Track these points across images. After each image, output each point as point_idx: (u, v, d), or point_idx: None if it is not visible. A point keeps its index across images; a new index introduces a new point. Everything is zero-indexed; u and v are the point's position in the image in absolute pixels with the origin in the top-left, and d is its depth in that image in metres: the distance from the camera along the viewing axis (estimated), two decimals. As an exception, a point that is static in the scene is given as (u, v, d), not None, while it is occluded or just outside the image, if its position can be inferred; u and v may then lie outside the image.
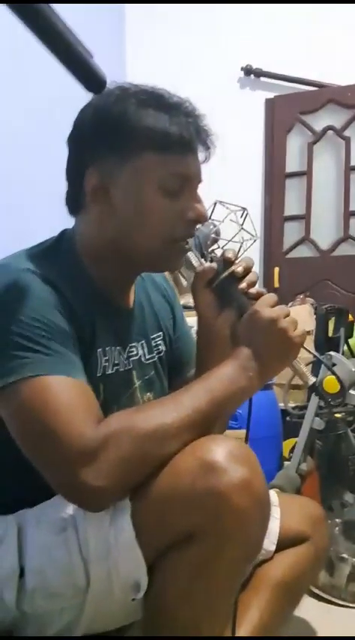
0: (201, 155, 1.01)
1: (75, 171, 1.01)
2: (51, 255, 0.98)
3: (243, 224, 3.47)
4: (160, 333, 1.17)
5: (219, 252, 3.64)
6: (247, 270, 1.02)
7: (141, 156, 0.95)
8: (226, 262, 1.03)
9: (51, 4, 0.67)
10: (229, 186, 3.34)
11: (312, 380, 1.06)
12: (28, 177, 2.43)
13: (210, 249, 3.41)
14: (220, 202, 3.37)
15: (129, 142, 0.95)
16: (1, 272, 0.92)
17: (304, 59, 3.52)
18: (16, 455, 0.87)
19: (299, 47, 3.49)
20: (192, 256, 1.06)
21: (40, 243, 1.03)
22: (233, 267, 1.02)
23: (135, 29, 3.67)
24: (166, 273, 1.44)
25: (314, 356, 1.32)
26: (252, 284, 1.01)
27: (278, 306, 0.98)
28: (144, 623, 0.91)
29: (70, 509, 0.90)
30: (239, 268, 1.01)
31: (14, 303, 0.87)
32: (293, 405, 2.33)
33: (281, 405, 2.32)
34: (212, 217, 3.46)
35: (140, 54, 3.63)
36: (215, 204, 3.37)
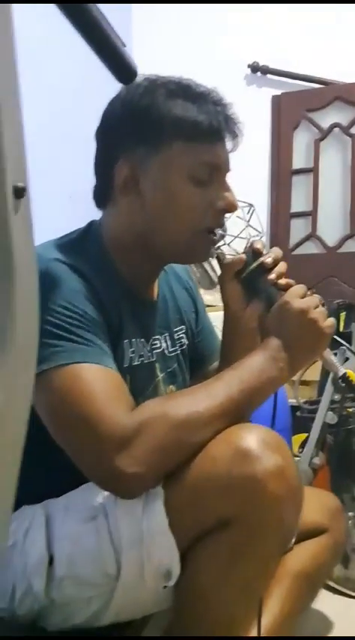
0: (228, 144, 1.02)
1: (104, 164, 1.01)
2: (78, 246, 0.99)
3: (249, 220, 3.47)
4: (183, 326, 1.18)
5: (225, 249, 3.64)
6: (276, 261, 1.03)
7: (170, 146, 0.96)
8: (255, 253, 1.03)
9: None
10: (236, 183, 3.32)
11: (342, 371, 1.07)
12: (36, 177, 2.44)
13: (216, 246, 3.41)
14: (227, 199, 3.38)
15: (158, 132, 0.95)
16: None
17: (311, 56, 3.50)
18: (45, 444, 0.88)
19: (306, 44, 3.48)
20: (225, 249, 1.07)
21: (67, 234, 1.04)
22: (262, 258, 1.02)
23: (141, 25, 3.67)
24: (192, 267, 1.44)
25: (347, 348, 1.35)
26: (281, 275, 1.02)
27: (308, 297, 0.98)
28: (176, 610, 0.92)
29: (100, 497, 0.90)
30: (268, 259, 1.02)
31: (45, 292, 0.87)
32: (303, 400, 2.34)
33: (292, 400, 2.33)
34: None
35: (146, 49, 3.62)
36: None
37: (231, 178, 2.70)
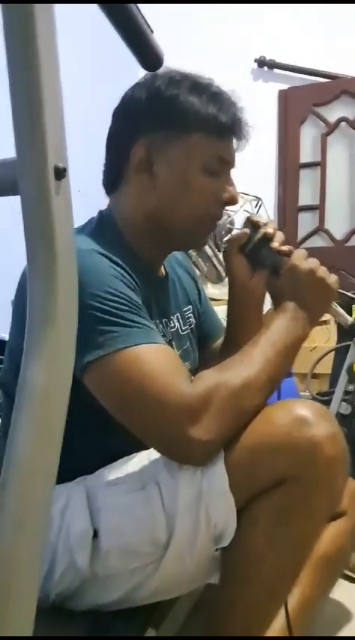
0: (236, 143, 1.09)
1: (120, 143, 1.05)
2: (101, 236, 1.02)
3: (257, 214, 3.48)
4: (190, 306, 1.24)
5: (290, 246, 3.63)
6: (274, 230, 1.10)
7: (192, 135, 1.01)
8: (255, 225, 1.10)
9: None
10: (243, 177, 3.33)
11: (351, 320, 1.12)
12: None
13: (224, 240, 3.42)
14: (235, 193, 3.38)
15: (182, 121, 1.00)
16: None
17: (318, 51, 3.52)
18: (72, 423, 0.89)
19: (313, 38, 3.49)
20: (223, 230, 1.10)
21: (84, 225, 1.07)
22: (263, 229, 1.09)
23: (148, 19, 3.68)
24: (200, 262, 1.48)
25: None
26: (283, 242, 1.09)
27: (312, 259, 1.05)
28: (223, 575, 0.95)
29: (148, 468, 0.95)
30: (269, 229, 1.09)
31: (91, 282, 0.91)
32: (315, 392, 2.35)
33: (304, 393, 2.34)
34: (226, 207, 3.47)
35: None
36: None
37: (239, 172, 2.71)
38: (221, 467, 0.89)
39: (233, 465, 0.89)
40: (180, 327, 1.17)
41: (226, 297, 1.17)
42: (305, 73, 3.58)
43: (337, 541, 1.17)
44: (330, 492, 0.90)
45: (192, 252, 3.67)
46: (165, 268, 1.19)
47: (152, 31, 0.79)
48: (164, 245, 1.11)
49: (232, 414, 0.89)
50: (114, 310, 0.90)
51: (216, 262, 3.54)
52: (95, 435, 0.93)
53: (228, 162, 1.06)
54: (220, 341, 1.31)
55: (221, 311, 2.66)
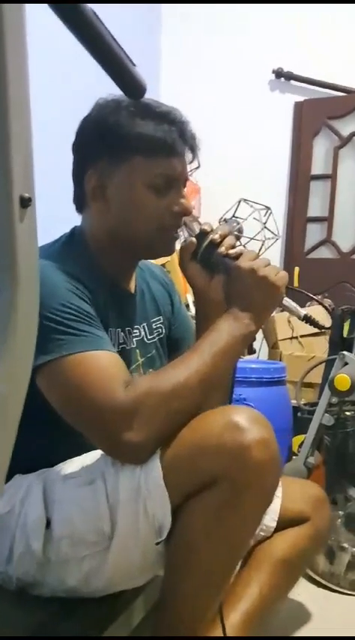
0: (188, 156, 1.13)
1: (77, 174, 1.14)
2: (66, 250, 1.11)
3: (266, 223, 3.52)
4: (160, 317, 1.30)
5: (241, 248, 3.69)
6: (223, 236, 1.14)
7: (131, 159, 1.07)
8: (203, 233, 1.14)
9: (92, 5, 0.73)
10: (255, 186, 3.40)
11: (303, 313, 1.18)
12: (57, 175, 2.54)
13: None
14: (245, 200, 3.44)
15: (122, 146, 1.07)
16: None
17: (335, 64, 3.56)
18: (37, 420, 0.95)
19: (331, 52, 3.53)
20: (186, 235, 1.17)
21: (54, 240, 1.16)
22: (210, 236, 1.13)
23: (170, 30, 3.74)
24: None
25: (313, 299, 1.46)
26: (231, 246, 1.13)
27: (258, 259, 1.10)
28: (167, 566, 1.02)
29: (97, 464, 1.03)
30: (215, 235, 1.13)
31: (45, 295, 0.96)
32: (304, 402, 2.40)
33: (294, 401, 2.39)
34: (236, 215, 3.53)
35: (174, 55, 3.70)
36: (239, 202, 3.43)
37: (249, 180, 2.75)
38: (157, 464, 0.96)
39: (170, 463, 0.96)
40: (146, 336, 1.24)
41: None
42: (321, 86, 3.63)
43: (297, 546, 1.23)
44: (261, 493, 0.96)
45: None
46: (136, 282, 1.26)
47: (133, 64, 0.85)
48: (129, 257, 1.18)
49: (163, 417, 0.96)
50: (64, 321, 0.98)
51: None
52: (57, 430, 1.01)
53: (174, 177, 1.10)
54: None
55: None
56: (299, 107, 3.70)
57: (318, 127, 3.66)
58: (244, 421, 0.95)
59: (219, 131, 3.40)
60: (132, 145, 1.06)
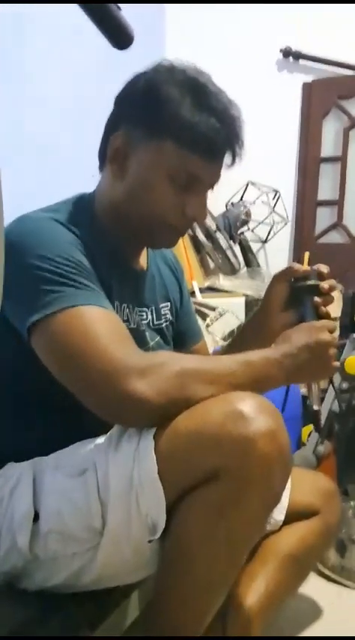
0: (227, 159, 1.04)
1: (109, 128, 1.05)
2: (69, 210, 1.03)
3: (274, 206, 3.44)
4: (168, 303, 1.22)
5: (248, 235, 3.64)
6: (330, 290, 1.10)
7: (164, 141, 0.98)
8: (319, 274, 1.11)
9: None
10: (263, 168, 3.30)
11: (317, 407, 1.15)
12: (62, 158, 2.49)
13: (239, 231, 3.39)
14: (252, 183, 3.35)
15: (160, 123, 0.98)
16: (24, 220, 0.97)
17: (345, 42, 3.45)
18: (35, 402, 0.94)
19: (341, 30, 3.42)
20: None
21: (64, 200, 1.07)
22: (323, 282, 1.10)
23: (174, 9, 3.64)
24: (215, 254, 1.49)
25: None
26: (327, 303, 1.09)
27: (334, 335, 1.05)
28: (161, 569, 0.93)
29: (90, 452, 0.93)
30: (326, 285, 1.09)
31: (42, 244, 0.92)
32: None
33: (303, 390, 2.32)
34: (243, 198, 3.44)
35: (179, 35, 3.60)
36: (247, 184, 3.35)
37: (258, 163, 2.67)
38: (151, 454, 0.86)
39: (166, 455, 0.86)
40: (152, 321, 1.16)
41: (237, 290, 1.17)
42: (331, 65, 3.52)
43: (306, 540, 1.16)
44: (265, 490, 0.85)
45: (207, 244, 3.60)
46: (147, 262, 1.18)
47: (119, 8, 0.76)
48: (125, 234, 1.09)
49: (175, 387, 0.87)
50: (63, 272, 0.90)
51: (229, 255, 3.50)
52: (49, 413, 0.93)
53: (200, 180, 1.02)
54: (199, 347, 1.31)
55: (229, 303, 2.63)
56: (308, 88, 3.59)
57: (328, 108, 3.55)
58: (249, 409, 0.85)
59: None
60: (172, 126, 0.97)
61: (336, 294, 1.13)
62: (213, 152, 1.01)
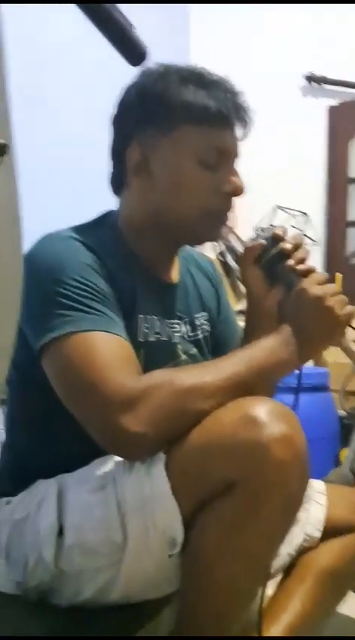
0: (238, 132, 1.04)
1: (118, 149, 1.05)
2: (93, 228, 1.03)
3: (304, 229, 3.43)
4: (204, 313, 1.19)
5: (311, 266, 3.61)
6: (296, 247, 1.03)
7: (180, 128, 0.99)
8: (275, 239, 1.03)
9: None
10: (291, 192, 3.30)
11: None
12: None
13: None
14: (280, 208, 3.35)
15: (169, 115, 0.99)
16: (45, 240, 0.99)
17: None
18: (62, 419, 0.92)
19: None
20: (236, 240, 1.08)
21: (84, 222, 1.08)
22: (282, 244, 1.02)
23: (199, 34, 3.71)
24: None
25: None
26: (301, 260, 1.01)
27: (327, 285, 0.98)
28: (182, 584, 0.91)
29: (110, 467, 0.93)
30: (287, 245, 1.02)
31: (57, 266, 0.92)
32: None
33: (342, 412, 2.28)
34: (273, 223, 3.44)
35: (203, 60, 3.66)
36: (275, 209, 3.35)
37: (285, 187, 2.69)
38: (161, 470, 0.85)
39: (178, 469, 0.85)
40: (187, 333, 1.13)
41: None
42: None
43: (344, 557, 1.12)
44: (283, 497, 0.83)
45: (237, 268, 3.62)
46: (179, 273, 1.16)
47: (132, 26, 0.79)
48: (170, 242, 1.09)
49: (171, 414, 0.86)
50: (74, 296, 0.90)
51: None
52: (75, 430, 0.91)
53: (227, 151, 1.02)
54: None
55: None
56: (333, 111, 3.61)
57: (354, 130, 3.56)
58: (262, 415, 0.82)
59: (251, 139, 3.33)
60: (183, 112, 0.98)
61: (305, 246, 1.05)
62: (228, 119, 1.01)
